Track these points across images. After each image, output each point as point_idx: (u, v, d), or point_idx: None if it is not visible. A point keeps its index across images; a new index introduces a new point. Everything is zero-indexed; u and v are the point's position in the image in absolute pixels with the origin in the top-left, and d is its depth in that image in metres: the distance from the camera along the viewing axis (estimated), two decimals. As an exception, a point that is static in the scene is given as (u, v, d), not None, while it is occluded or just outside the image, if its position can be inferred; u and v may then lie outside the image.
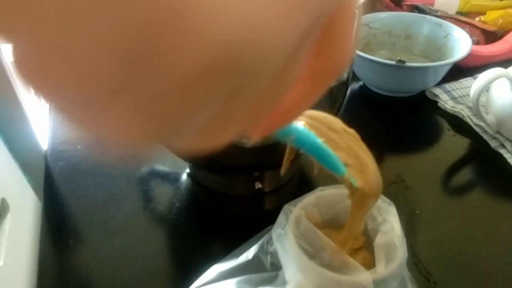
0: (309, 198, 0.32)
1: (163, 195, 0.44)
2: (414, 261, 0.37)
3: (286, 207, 0.32)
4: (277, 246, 0.30)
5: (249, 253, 0.33)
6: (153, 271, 0.37)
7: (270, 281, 0.31)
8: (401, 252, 0.27)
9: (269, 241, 0.33)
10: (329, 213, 0.33)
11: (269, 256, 0.32)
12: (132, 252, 0.38)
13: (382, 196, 0.31)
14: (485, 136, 0.51)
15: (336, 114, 0.42)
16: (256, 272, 0.31)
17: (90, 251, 0.38)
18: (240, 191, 0.45)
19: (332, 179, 0.26)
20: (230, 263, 0.33)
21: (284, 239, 0.30)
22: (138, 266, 0.37)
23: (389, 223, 0.29)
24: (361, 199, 0.25)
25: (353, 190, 0.25)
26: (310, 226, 0.30)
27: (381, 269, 0.26)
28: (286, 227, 0.30)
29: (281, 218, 0.31)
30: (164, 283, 0.36)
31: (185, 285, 0.35)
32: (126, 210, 0.42)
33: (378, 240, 0.28)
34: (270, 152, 0.38)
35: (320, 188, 0.34)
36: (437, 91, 0.57)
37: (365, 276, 0.26)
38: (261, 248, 0.33)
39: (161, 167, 0.48)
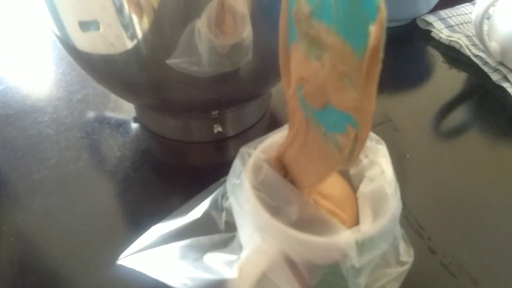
0: (273, 138, 0.25)
1: (102, 143, 0.36)
2: (404, 214, 0.30)
3: (243, 149, 0.24)
4: (231, 200, 0.23)
5: (198, 210, 0.26)
6: (84, 235, 0.29)
7: (224, 244, 0.23)
8: (394, 203, 0.20)
9: (224, 195, 0.26)
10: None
11: (223, 214, 0.25)
12: (57, 213, 0.30)
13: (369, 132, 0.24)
14: (485, 69, 0.43)
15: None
16: (206, 234, 0.24)
17: (4, 211, 0.31)
18: (197, 137, 0.37)
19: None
20: (174, 223, 0.26)
21: (240, 190, 0.22)
22: (65, 228, 0.29)
23: (377, 166, 0.22)
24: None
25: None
26: (273, 174, 0.22)
27: (367, 226, 0.19)
28: (241, 175, 0.23)
29: (236, 163, 0.24)
30: (96, 250, 0.28)
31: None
32: (52, 162, 0.34)
33: (363, 188, 0.21)
34: (229, 82, 0.30)
35: (288, 124, 0.26)
36: (431, 18, 0.49)
37: (345, 236, 0.19)
38: (213, 204, 0.26)
39: (102, 112, 0.39)
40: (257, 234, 0.21)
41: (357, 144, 0.17)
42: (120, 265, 0.25)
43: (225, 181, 0.26)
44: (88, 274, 0.27)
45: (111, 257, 0.27)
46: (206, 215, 0.25)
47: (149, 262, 0.24)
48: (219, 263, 0.21)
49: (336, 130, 0.18)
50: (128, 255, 0.25)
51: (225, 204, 0.25)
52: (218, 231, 0.24)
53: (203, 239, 0.24)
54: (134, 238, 0.29)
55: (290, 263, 0.20)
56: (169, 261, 0.23)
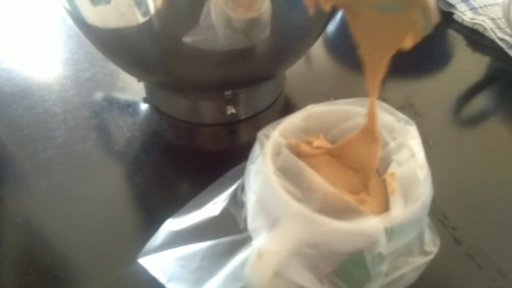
0: (292, 119, 0.23)
1: (111, 123, 0.35)
2: (428, 202, 0.29)
3: (262, 133, 0.23)
4: (245, 187, 0.22)
5: (217, 206, 0.24)
6: (91, 216, 0.28)
7: (244, 243, 0.22)
8: (426, 188, 0.19)
9: (244, 188, 0.24)
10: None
11: (243, 209, 0.23)
12: (64, 193, 0.29)
13: (397, 112, 0.22)
14: (511, 52, 0.41)
15: (325, 26, 0.32)
16: (226, 232, 0.23)
17: (10, 190, 0.30)
18: (209, 119, 0.36)
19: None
20: (191, 217, 0.24)
21: (256, 176, 0.21)
22: (72, 209, 0.28)
23: (406, 149, 0.21)
24: None
25: None
26: (293, 159, 0.21)
27: (398, 212, 0.18)
28: (258, 159, 0.21)
29: (255, 149, 0.22)
30: (103, 232, 0.27)
31: (133, 235, 0.27)
32: (60, 141, 0.33)
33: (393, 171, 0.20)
34: (244, 60, 0.29)
35: (310, 106, 0.25)
36: (453, 0, 0.47)
37: (374, 223, 0.17)
38: (232, 199, 0.24)
39: (110, 92, 0.38)
40: (279, 220, 0.19)
41: None
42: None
43: (243, 170, 0.24)
44: (95, 256, 0.26)
45: (118, 239, 0.27)
46: (225, 212, 0.24)
47: (166, 266, 0.22)
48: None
49: None
50: (147, 253, 0.24)
51: (245, 199, 0.24)
52: (238, 230, 0.23)
53: (222, 243, 0.22)
54: (142, 221, 0.28)
55: (308, 251, 0.19)
56: (187, 269, 0.22)
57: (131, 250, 0.25)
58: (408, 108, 0.37)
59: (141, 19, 0.25)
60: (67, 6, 0.28)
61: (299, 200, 0.19)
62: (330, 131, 0.24)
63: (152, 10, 0.25)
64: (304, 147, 0.22)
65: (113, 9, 0.26)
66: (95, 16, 0.27)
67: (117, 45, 0.29)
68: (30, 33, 0.45)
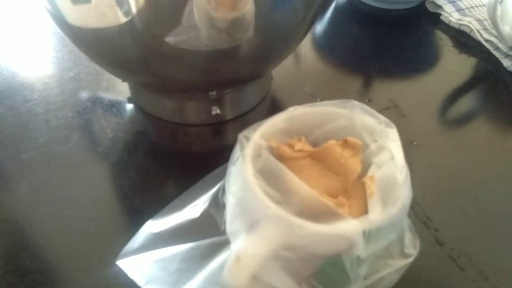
0: (273, 121, 0.23)
1: (94, 124, 0.34)
2: (411, 203, 0.29)
3: (242, 135, 0.23)
4: (225, 189, 0.21)
5: (197, 208, 0.24)
6: (73, 219, 0.28)
7: (223, 246, 0.22)
8: (405, 191, 0.19)
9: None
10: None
11: (224, 211, 0.23)
12: (46, 195, 0.29)
13: (378, 115, 0.22)
14: (497, 54, 0.42)
15: (310, 26, 0.32)
16: (206, 235, 0.22)
17: (-11, 194, 0.29)
18: (194, 119, 0.35)
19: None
20: (172, 219, 0.24)
21: (236, 178, 0.21)
22: (53, 211, 0.28)
23: (386, 152, 0.21)
24: None
25: None
26: (273, 162, 0.20)
27: (376, 215, 0.18)
28: (238, 161, 0.21)
29: (235, 151, 0.22)
30: (85, 234, 0.27)
31: (114, 236, 0.27)
32: (41, 142, 0.32)
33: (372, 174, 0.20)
34: (228, 60, 0.29)
35: (292, 107, 0.24)
36: (440, 1, 0.47)
37: (352, 225, 0.17)
38: (213, 201, 0.24)
39: (95, 92, 0.37)
40: (257, 223, 0.19)
41: None
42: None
43: (225, 171, 0.24)
44: (75, 258, 0.25)
45: (99, 241, 0.26)
46: (206, 214, 0.23)
47: (145, 269, 0.22)
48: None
49: None
50: (126, 255, 0.23)
51: (226, 201, 0.24)
52: (218, 232, 0.23)
53: (202, 246, 0.22)
54: (124, 222, 0.28)
55: (286, 254, 0.18)
56: (166, 271, 0.21)
57: (111, 252, 0.24)
58: (393, 109, 0.37)
59: (123, 19, 0.25)
60: (48, 6, 0.27)
61: (278, 202, 0.19)
62: (313, 132, 0.24)
63: (133, 9, 0.24)
64: (286, 150, 0.22)
65: (93, 8, 0.25)
66: (75, 15, 0.27)
67: (99, 46, 0.28)
68: (12, 31, 0.44)
